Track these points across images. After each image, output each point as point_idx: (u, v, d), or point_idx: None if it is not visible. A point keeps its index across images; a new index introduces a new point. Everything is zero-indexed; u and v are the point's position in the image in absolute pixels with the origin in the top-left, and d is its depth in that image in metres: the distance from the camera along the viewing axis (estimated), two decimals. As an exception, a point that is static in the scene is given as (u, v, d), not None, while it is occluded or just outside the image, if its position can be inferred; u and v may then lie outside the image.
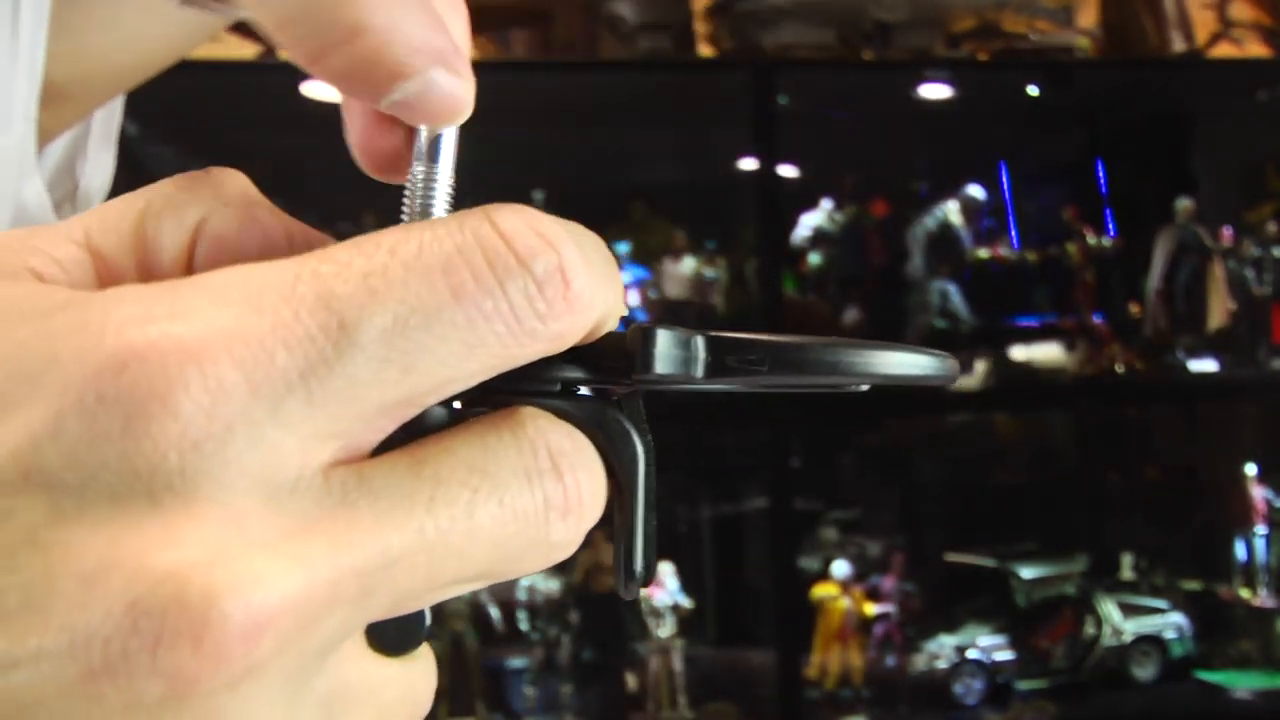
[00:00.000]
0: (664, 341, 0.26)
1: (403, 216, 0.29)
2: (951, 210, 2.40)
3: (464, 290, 0.23)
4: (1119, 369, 2.33)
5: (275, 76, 2.12)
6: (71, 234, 0.26)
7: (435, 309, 0.23)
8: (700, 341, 0.27)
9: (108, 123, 0.66)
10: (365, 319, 0.22)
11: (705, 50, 2.29)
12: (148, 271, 0.26)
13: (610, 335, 0.27)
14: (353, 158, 0.30)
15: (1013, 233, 2.49)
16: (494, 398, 0.27)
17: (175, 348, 0.21)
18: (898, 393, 2.35)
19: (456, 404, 0.26)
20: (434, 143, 0.29)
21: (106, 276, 0.26)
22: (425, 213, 0.29)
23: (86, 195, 0.65)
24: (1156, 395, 2.46)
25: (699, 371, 0.27)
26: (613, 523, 0.29)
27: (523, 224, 0.24)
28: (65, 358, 0.21)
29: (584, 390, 0.28)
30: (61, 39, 0.55)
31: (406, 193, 0.29)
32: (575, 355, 0.27)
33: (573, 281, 0.24)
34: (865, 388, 0.31)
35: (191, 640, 0.20)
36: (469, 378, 0.24)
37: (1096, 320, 2.38)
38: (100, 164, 0.66)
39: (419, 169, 0.29)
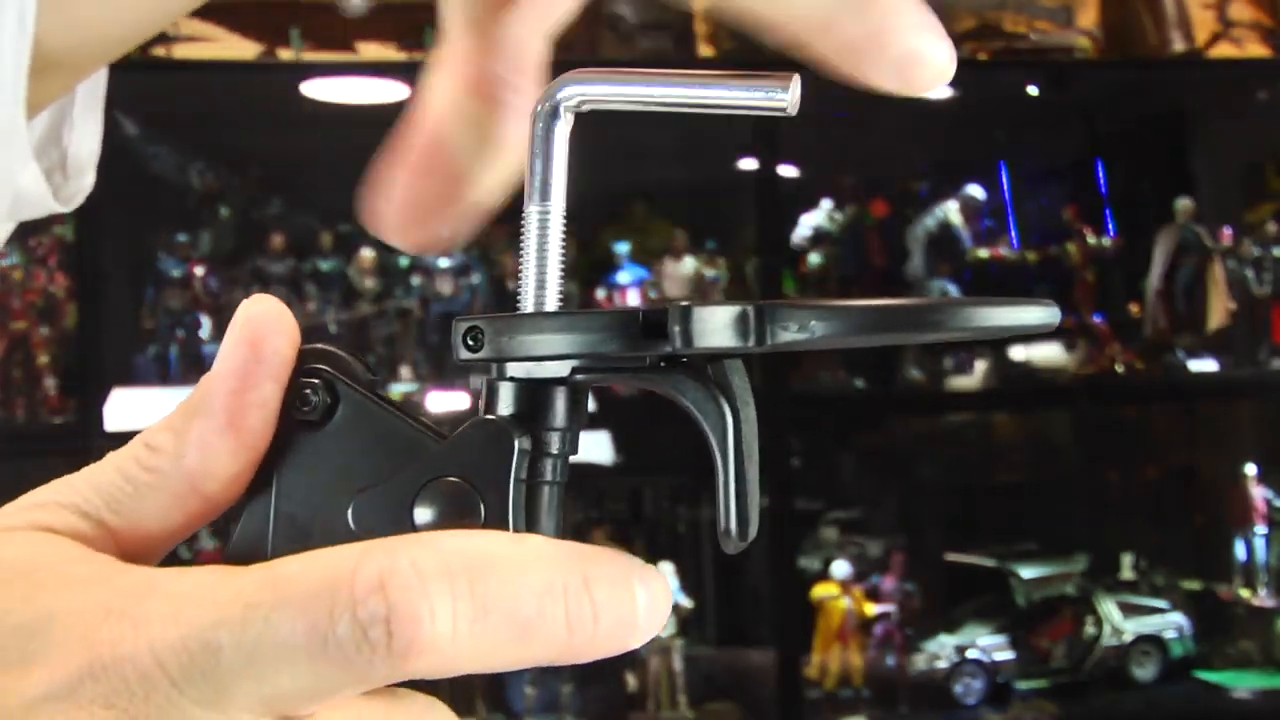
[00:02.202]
0: (707, 317, 0.28)
1: (521, 267, 0.32)
2: (951, 210, 2.40)
3: (312, 631, 0.27)
4: (1119, 369, 2.33)
5: (275, 76, 2.12)
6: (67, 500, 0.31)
7: (287, 642, 0.27)
8: (752, 312, 0.28)
9: (93, 90, 0.67)
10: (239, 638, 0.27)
11: (705, 50, 2.29)
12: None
13: (670, 310, 0.29)
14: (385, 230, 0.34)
15: (1013, 233, 2.49)
16: (598, 372, 0.30)
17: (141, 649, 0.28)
18: (898, 393, 2.35)
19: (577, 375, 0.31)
20: (546, 174, 0.31)
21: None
22: (541, 262, 0.31)
23: (76, 163, 0.66)
24: (1156, 395, 2.46)
25: (752, 342, 0.28)
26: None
27: (374, 573, 0.27)
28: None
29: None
30: (53, 12, 0.56)
31: (523, 230, 0.32)
32: (658, 331, 0.29)
33: (398, 633, 0.27)
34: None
35: None
36: (328, 691, 0.28)
37: (1096, 320, 2.38)
38: (88, 131, 0.67)
39: (534, 209, 0.32)
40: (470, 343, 0.31)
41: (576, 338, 0.30)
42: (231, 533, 0.31)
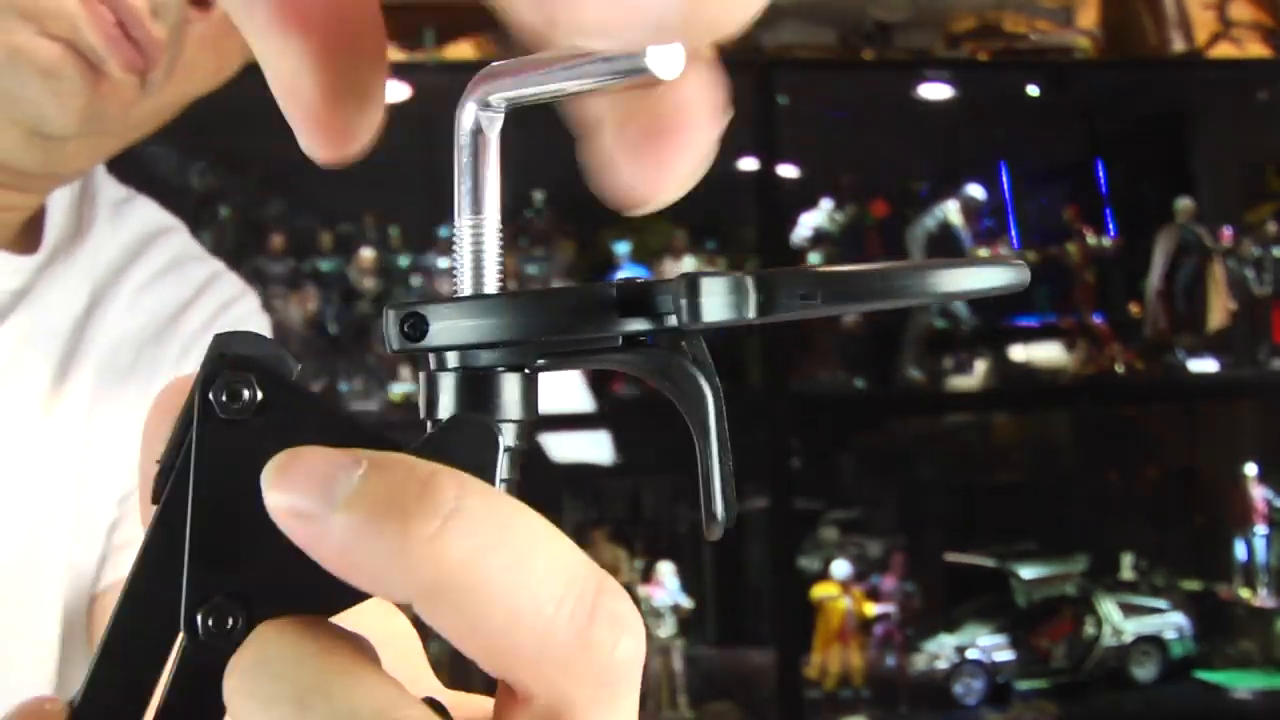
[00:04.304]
0: (712, 288, 0.27)
1: (454, 272, 0.29)
2: (951, 210, 2.40)
3: None
4: (1119, 369, 2.33)
5: (275, 76, 2.11)
6: None
7: None
8: (751, 282, 0.27)
9: None
10: None
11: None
12: None
13: (664, 283, 0.28)
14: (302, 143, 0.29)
15: (1013, 233, 2.49)
16: (561, 355, 0.28)
17: None
18: (898, 393, 2.35)
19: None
20: (477, 191, 0.29)
21: None
22: (478, 263, 0.29)
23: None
24: (1156, 395, 2.46)
25: (752, 313, 0.27)
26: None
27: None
28: None
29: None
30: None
31: (455, 245, 0.29)
32: (635, 308, 0.28)
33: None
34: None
35: None
36: None
37: (1096, 320, 2.38)
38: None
39: (466, 221, 0.29)
40: (409, 330, 0.29)
41: (538, 319, 0.28)
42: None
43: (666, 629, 2.13)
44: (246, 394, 0.27)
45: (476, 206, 0.29)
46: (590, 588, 0.27)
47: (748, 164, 2.24)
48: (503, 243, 0.29)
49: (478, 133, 0.29)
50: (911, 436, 2.63)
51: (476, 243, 0.29)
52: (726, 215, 2.40)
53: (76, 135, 0.68)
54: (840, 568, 2.22)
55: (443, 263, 2.22)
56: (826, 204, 2.36)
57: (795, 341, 2.24)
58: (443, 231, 2.25)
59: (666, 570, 2.15)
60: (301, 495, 0.25)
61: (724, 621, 2.33)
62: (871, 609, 2.23)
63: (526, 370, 0.29)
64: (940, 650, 2.21)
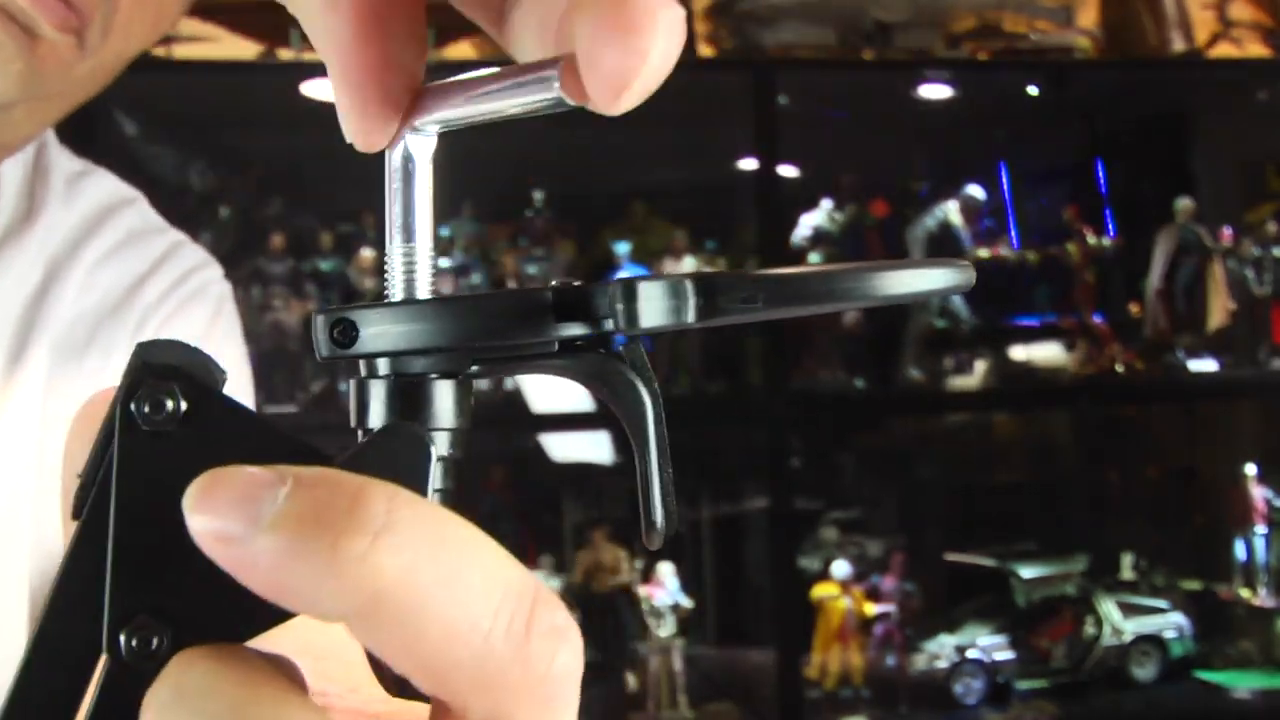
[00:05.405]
0: (649, 292, 0.26)
1: (386, 293, 0.29)
2: (951, 210, 2.40)
3: None
4: (1119, 369, 2.33)
5: (275, 76, 2.12)
6: None
7: None
8: (690, 285, 0.26)
9: None
10: None
11: (705, 50, 2.29)
12: None
13: (600, 288, 0.27)
14: (351, 143, 0.30)
15: (1013, 233, 2.49)
16: (495, 361, 0.27)
17: None
18: (898, 393, 2.35)
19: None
20: (408, 212, 0.28)
21: None
22: (409, 283, 0.28)
23: None
24: (1156, 395, 2.46)
25: (690, 317, 0.26)
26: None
27: None
28: None
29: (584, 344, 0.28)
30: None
31: (387, 268, 0.29)
32: (571, 313, 0.27)
33: None
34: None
35: None
36: None
37: (1096, 320, 2.38)
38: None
39: (397, 247, 0.28)
40: (338, 337, 0.28)
41: (471, 324, 0.27)
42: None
43: (666, 629, 2.13)
44: (170, 404, 0.26)
45: (407, 234, 0.28)
46: (526, 599, 0.25)
47: (748, 164, 2.24)
48: (435, 268, 0.29)
49: (408, 159, 0.28)
50: (911, 436, 2.63)
51: (408, 270, 0.28)
52: (726, 215, 2.40)
53: (17, 101, 0.67)
54: (840, 568, 2.22)
55: (443, 262, 2.22)
56: (826, 204, 2.36)
57: (795, 341, 2.24)
58: (443, 231, 2.25)
59: (666, 570, 2.15)
60: (225, 518, 0.24)
61: (724, 621, 2.33)
62: (871, 609, 2.23)
63: (460, 377, 0.28)
64: (940, 650, 2.21)
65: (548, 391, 2.02)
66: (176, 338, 0.27)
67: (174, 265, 0.82)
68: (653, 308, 0.26)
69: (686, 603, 2.16)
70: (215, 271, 0.86)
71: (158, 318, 0.79)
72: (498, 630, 0.25)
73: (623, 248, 2.27)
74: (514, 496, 2.31)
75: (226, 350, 0.83)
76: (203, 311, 0.83)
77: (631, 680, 2.15)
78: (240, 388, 0.83)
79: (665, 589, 2.14)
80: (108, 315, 0.78)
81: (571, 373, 0.28)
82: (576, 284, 0.28)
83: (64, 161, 0.82)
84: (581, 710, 0.27)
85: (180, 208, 2.19)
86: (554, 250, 2.27)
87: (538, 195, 2.30)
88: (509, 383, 2.07)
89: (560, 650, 0.25)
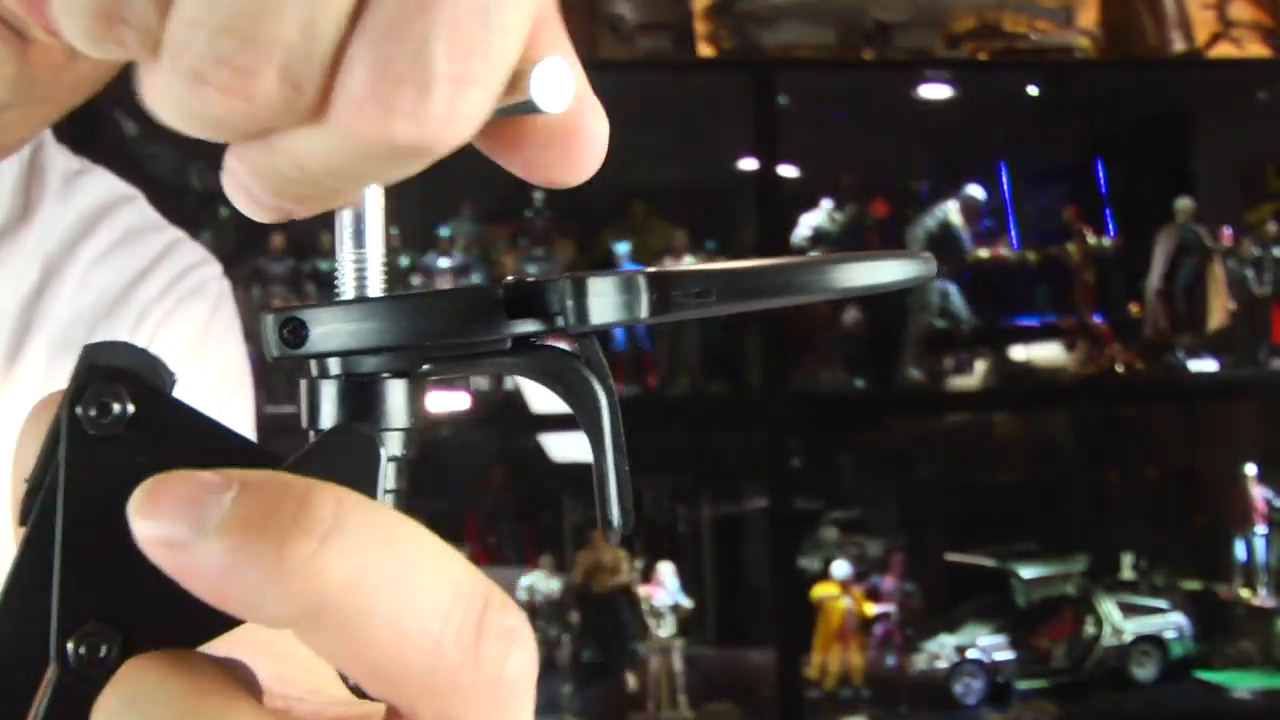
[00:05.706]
0: (600, 288, 0.26)
1: (336, 294, 0.28)
2: (951, 210, 2.40)
3: None
4: (1119, 369, 2.33)
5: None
6: None
7: None
8: (643, 280, 0.26)
9: None
10: None
11: (705, 50, 2.29)
12: None
13: (552, 283, 0.27)
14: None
15: (1013, 233, 2.49)
16: (447, 360, 0.27)
17: None
18: (898, 393, 2.35)
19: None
20: (359, 224, 0.28)
21: None
22: (360, 285, 0.28)
23: None
24: (1156, 395, 2.46)
25: (643, 312, 0.26)
26: (610, 521, 0.29)
27: None
28: None
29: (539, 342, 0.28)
30: None
31: (338, 271, 0.29)
32: (524, 309, 0.27)
33: None
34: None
35: None
36: None
37: (1096, 320, 2.38)
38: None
39: (347, 252, 0.28)
40: (287, 336, 0.27)
41: (422, 323, 0.27)
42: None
43: (666, 629, 2.13)
44: (117, 407, 0.26)
45: (359, 239, 0.28)
46: (477, 602, 0.25)
47: (748, 164, 2.24)
48: (386, 272, 0.29)
49: None
50: (911, 436, 2.64)
51: (359, 275, 0.28)
52: (726, 215, 2.40)
53: (10, 104, 0.67)
54: (840, 568, 2.22)
55: (443, 262, 2.22)
56: (826, 204, 2.36)
57: (795, 341, 2.24)
58: (443, 231, 2.25)
59: (666, 570, 2.15)
60: (169, 523, 0.24)
61: (724, 621, 2.33)
62: (871, 609, 2.23)
63: (411, 376, 0.27)
64: (940, 650, 2.21)
65: (547, 392, 2.01)
66: (175, 336, 0.27)
67: (172, 262, 0.82)
68: (603, 303, 0.26)
69: (686, 603, 2.16)
70: (214, 269, 0.86)
71: (156, 315, 0.79)
72: (448, 634, 0.24)
73: (623, 248, 2.27)
74: (514, 496, 2.31)
75: (226, 348, 0.82)
76: (201, 308, 0.82)
77: (631, 680, 2.15)
78: (241, 386, 0.82)
79: (665, 589, 2.14)
80: (106, 313, 0.78)
81: (525, 370, 0.28)
82: (529, 280, 0.27)
83: (61, 160, 0.82)
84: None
85: (180, 207, 2.19)
86: (554, 250, 2.27)
87: (537, 195, 2.30)
88: (509, 383, 2.07)
89: (512, 653, 0.25)
